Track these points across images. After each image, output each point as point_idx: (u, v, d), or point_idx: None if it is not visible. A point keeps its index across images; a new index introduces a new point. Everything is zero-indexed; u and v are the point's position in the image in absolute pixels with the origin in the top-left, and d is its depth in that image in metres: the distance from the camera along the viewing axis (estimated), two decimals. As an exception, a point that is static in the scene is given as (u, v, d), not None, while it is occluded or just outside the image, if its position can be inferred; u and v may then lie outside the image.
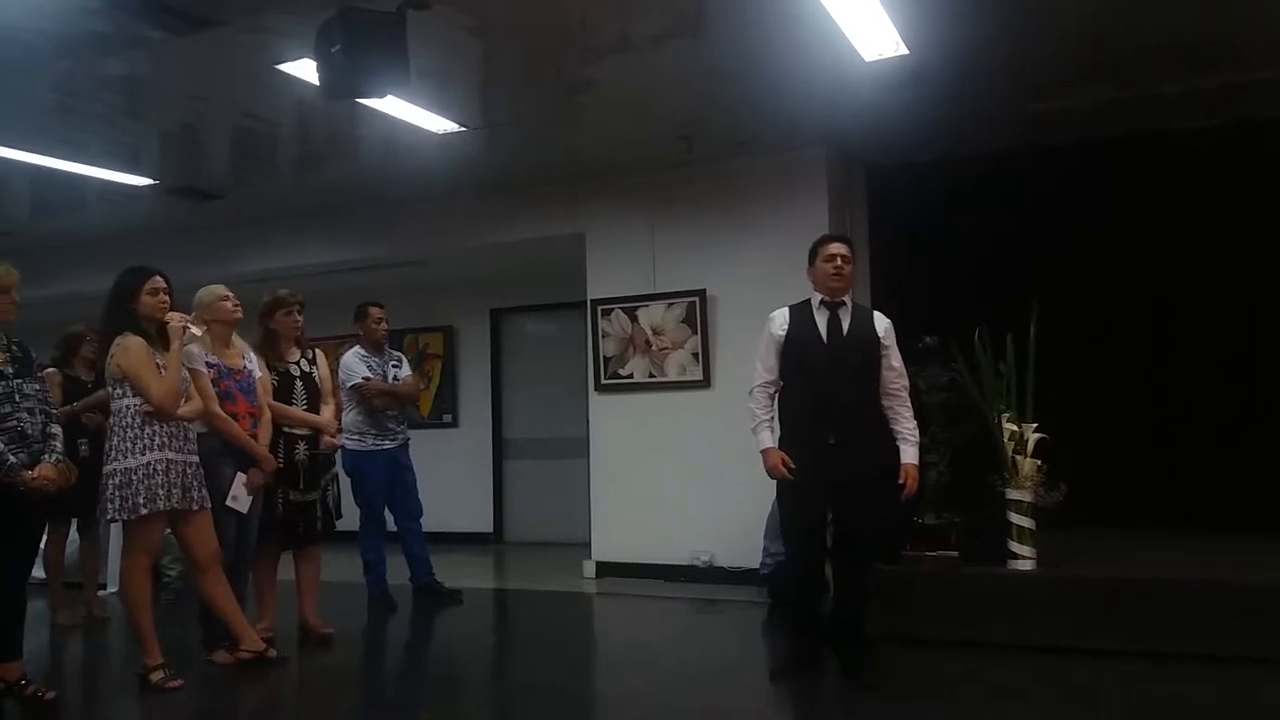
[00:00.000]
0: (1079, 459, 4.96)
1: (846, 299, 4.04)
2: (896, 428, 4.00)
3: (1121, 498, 5.84)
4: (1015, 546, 4.64)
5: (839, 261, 3.98)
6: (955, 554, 4.81)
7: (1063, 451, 4.74)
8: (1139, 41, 4.88)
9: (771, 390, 4.03)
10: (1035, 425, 4.71)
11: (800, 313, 4.04)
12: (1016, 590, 4.59)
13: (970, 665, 4.28)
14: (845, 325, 3.99)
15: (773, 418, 4.01)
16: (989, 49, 4.85)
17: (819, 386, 3.91)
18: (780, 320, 4.05)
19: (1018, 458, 4.66)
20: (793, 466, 3.88)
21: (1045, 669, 4.20)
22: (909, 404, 4.05)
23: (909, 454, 3.98)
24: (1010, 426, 4.70)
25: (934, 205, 6.30)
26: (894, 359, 4.03)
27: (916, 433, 4.03)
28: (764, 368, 4.05)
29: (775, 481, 4.03)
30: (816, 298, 4.04)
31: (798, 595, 4.14)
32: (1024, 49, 4.90)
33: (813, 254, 4.09)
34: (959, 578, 4.70)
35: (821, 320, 3.99)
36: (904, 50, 4.69)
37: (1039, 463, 4.66)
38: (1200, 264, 6.00)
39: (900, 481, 3.92)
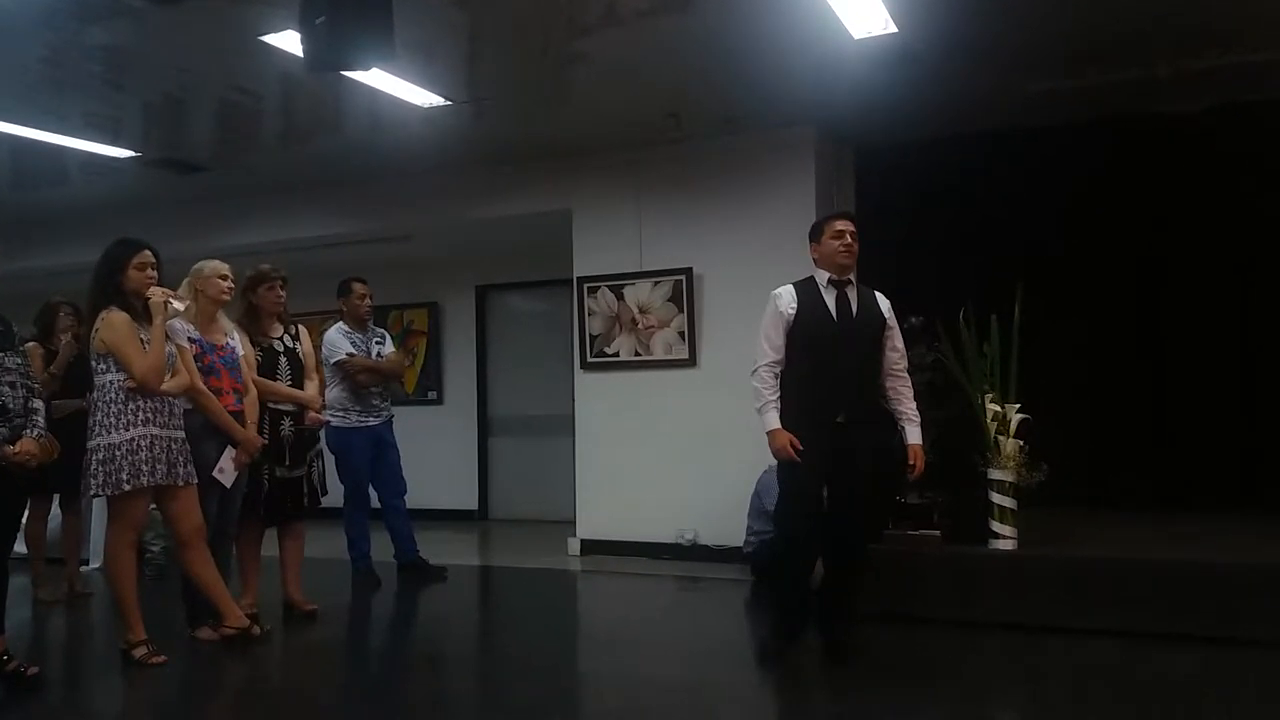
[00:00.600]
0: (1063, 440, 5.00)
1: (853, 277, 3.98)
2: (900, 408, 3.96)
3: (1105, 479, 5.90)
4: (997, 526, 4.67)
5: (848, 239, 3.91)
6: (938, 533, 4.85)
7: (1047, 432, 4.76)
8: (1130, 23, 4.87)
9: (778, 370, 3.88)
10: (1018, 406, 4.74)
11: (807, 291, 3.93)
12: (998, 570, 4.63)
13: (952, 644, 4.32)
14: (854, 305, 3.91)
15: (779, 397, 3.87)
16: (978, 29, 4.83)
17: (829, 366, 3.82)
18: (788, 298, 3.91)
19: (1000, 438, 4.68)
20: (800, 448, 3.76)
21: (1026, 648, 4.24)
22: (910, 384, 4.02)
23: (915, 434, 3.94)
24: (993, 407, 4.73)
25: (922, 185, 6.31)
26: (897, 339, 3.99)
27: (918, 414, 3.99)
28: (770, 346, 3.89)
29: (778, 462, 3.92)
30: (823, 276, 3.94)
31: (791, 574, 4.01)
32: (1014, 29, 4.89)
33: (818, 231, 4.01)
34: (941, 557, 4.74)
35: (830, 299, 3.90)
36: (893, 28, 4.67)
37: (1021, 443, 4.68)
38: (1190, 247, 6.03)
39: (910, 462, 3.90)
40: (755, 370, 3.90)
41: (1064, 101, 5.78)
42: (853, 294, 3.93)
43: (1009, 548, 4.66)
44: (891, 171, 6.47)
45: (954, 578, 4.66)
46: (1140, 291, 6.18)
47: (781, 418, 3.81)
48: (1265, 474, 5.69)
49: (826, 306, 3.89)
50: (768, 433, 3.84)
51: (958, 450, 4.91)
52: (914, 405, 3.99)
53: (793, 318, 3.87)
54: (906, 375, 4.02)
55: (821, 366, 3.82)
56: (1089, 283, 6.17)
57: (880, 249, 6.55)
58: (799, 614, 4.05)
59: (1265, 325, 5.90)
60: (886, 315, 3.97)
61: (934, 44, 4.92)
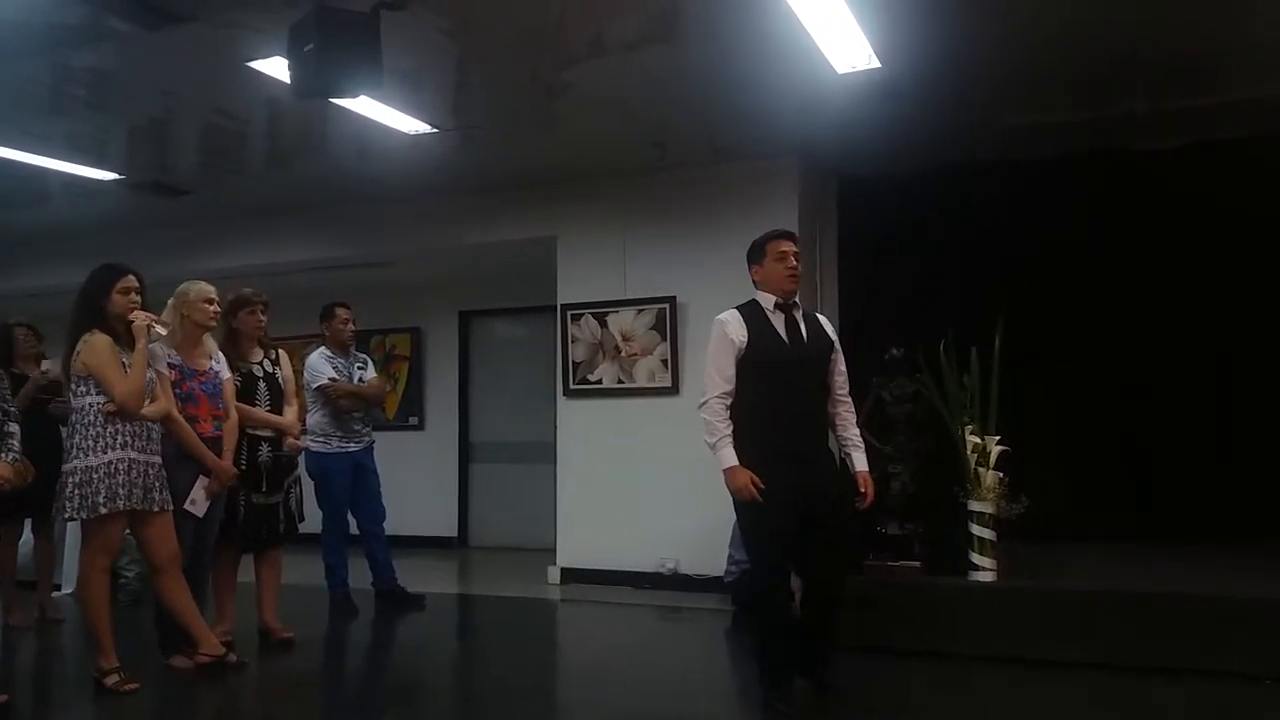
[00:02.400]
0: (1042, 473, 5.02)
1: (797, 299, 3.81)
2: (845, 434, 3.81)
3: (1084, 512, 5.91)
4: (976, 558, 4.68)
5: (792, 260, 3.74)
6: (917, 564, 4.86)
7: (1026, 465, 4.79)
8: (1108, 62, 4.96)
9: (729, 401, 3.63)
10: (998, 438, 4.76)
11: (754, 316, 3.71)
12: (977, 601, 4.64)
13: (932, 675, 4.31)
14: (803, 328, 3.75)
15: (733, 431, 3.62)
16: (960, 64, 4.91)
17: (785, 395, 3.62)
18: (736, 324, 3.68)
19: (980, 469, 4.70)
20: (762, 486, 3.53)
21: (1006, 681, 4.24)
22: (854, 409, 3.88)
23: (861, 461, 3.80)
24: (973, 439, 4.75)
25: (904, 217, 6.36)
26: (841, 363, 3.83)
27: (861, 440, 3.86)
28: (721, 377, 3.64)
29: (737, 503, 3.66)
30: (769, 299, 3.75)
31: (770, 616, 3.72)
32: (995, 65, 4.97)
33: (759, 251, 3.80)
34: (921, 588, 4.74)
35: (779, 324, 3.71)
36: (876, 63, 4.73)
37: (1001, 475, 4.70)
38: (1167, 280, 6.09)
39: (861, 490, 3.75)
40: (705, 403, 3.65)
41: (1044, 136, 5.86)
42: (800, 317, 3.77)
43: (988, 579, 4.67)
44: (874, 203, 6.53)
45: (933, 609, 4.66)
46: (1119, 325, 6.23)
47: (741, 454, 3.58)
48: (1242, 507, 5.72)
49: (777, 331, 3.70)
50: (725, 470, 3.59)
51: (938, 481, 4.93)
52: (858, 431, 3.85)
53: (744, 345, 3.64)
54: (850, 400, 3.86)
55: (777, 396, 3.62)
56: (1069, 316, 6.22)
57: (862, 280, 6.69)
58: (788, 653, 3.77)
59: (1242, 359, 5.96)
60: (833, 337, 3.84)
61: (916, 79, 4.98)
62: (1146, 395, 6.10)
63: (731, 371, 3.65)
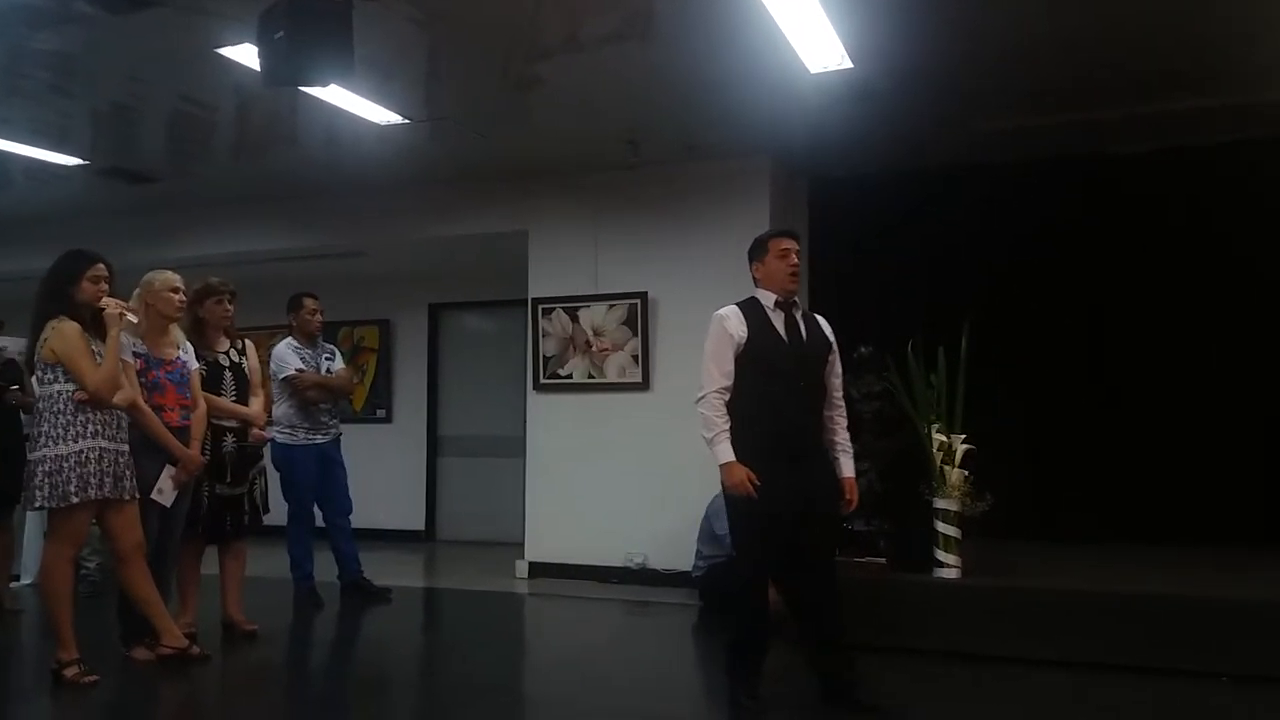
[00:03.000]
0: (1008, 471, 5.08)
1: (798, 299, 3.80)
2: (836, 438, 3.78)
3: (1049, 511, 5.99)
4: (941, 555, 4.73)
5: (794, 259, 3.72)
6: (883, 560, 4.91)
7: (992, 464, 4.84)
8: (1079, 67, 5.02)
9: (727, 397, 3.61)
10: (964, 436, 4.82)
11: (754, 313, 3.69)
12: (942, 598, 4.69)
13: (896, 671, 4.35)
14: (802, 328, 3.73)
15: (730, 427, 3.59)
16: (932, 67, 4.95)
17: (784, 393, 3.60)
18: (736, 320, 3.65)
19: (946, 468, 4.75)
20: (758, 483, 3.50)
21: (969, 676, 4.29)
22: (845, 413, 3.90)
23: (849, 466, 3.78)
24: (939, 437, 4.80)
25: (874, 218, 6.41)
26: (838, 365, 3.83)
27: (850, 444, 3.87)
28: (720, 372, 3.61)
29: (729, 499, 3.63)
30: (769, 297, 3.72)
31: (749, 610, 3.68)
32: (967, 69, 5.01)
33: (761, 248, 3.78)
34: (886, 584, 4.78)
35: (778, 322, 3.69)
36: (849, 64, 4.75)
37: (966, 473, 4.76)
38: (1133, 283, 6.18)
39: (846, 496, 3.73)
40: (704, 397, 3.62)
41: (1014, 140, 5.93)
42: (799, 316, 3.76)
43: (953, 576, 4.72)
44: (844, 203, 6.58)
45: (899, 605, 4.70)
46: (1086, 327, 6.32)
47: (738, 451, 3.55)
48: (1202, 509, 5.82)
49: (776, 329, 3.68)
50: (722, 465, 3.56)
51: (904, 479, 4.98)
52: (848, 435, 3.84)
53: (743, 341, 3.63)
54: (844, 404, 3.86)
55: (774, 394, 3.59)
56: (1035, 317, 6.30)
57: (832, 279, 6.73)
58: (759, 654, 3.74)
59: (1207, 361, 6.05)
60: (831, 339, 3.82)
61: (888, 80, 5.02)
62: (1113, 397, 6.20)
63: (730, 367, 3.62)
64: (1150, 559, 5.42)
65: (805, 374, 3.68)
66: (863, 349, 5.33)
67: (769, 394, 3.60)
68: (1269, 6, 4.39)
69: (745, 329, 3.64)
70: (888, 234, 6.40)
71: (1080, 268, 6.27)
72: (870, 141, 5.95)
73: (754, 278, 3.81)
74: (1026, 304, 6.29)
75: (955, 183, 6.27)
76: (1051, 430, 6.18)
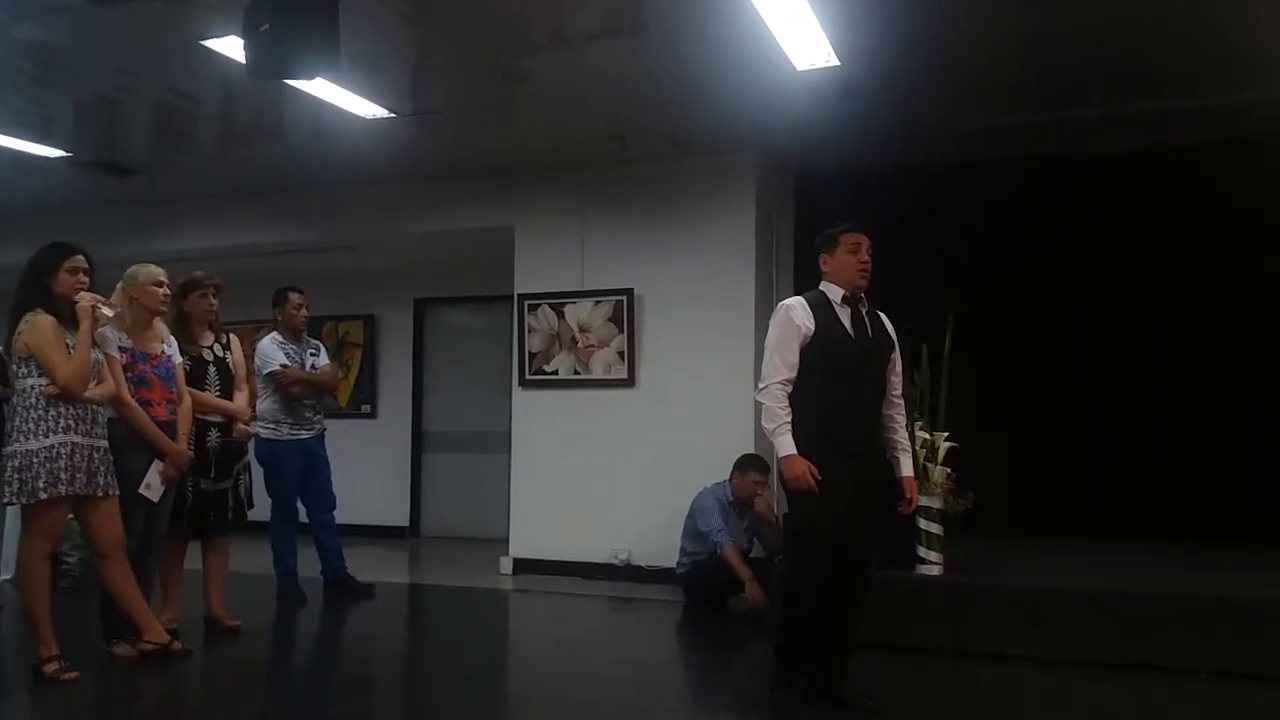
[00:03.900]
0: (992, 469, 5.10)
1: (864, 295, 3.69)
2: (895, 437, 3.71)
3: (1032, 508, 6.01)
4: (924, 552, 4.75)
5: (865, 254, 3.62)
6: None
7: (976, 461, 4.86)
8: (1061, 66, 5.05)
9: (790, 389, 3.52)
10: (947, 434, 4.84)
11: (821, 306, 3.60)
12: (923, 594, 4.71)
13: (878, 667, 4.36)
14: (868, 325, 3.65)
15: (792, 420, 3.50)
16: (917, 65, 4.97)
17: (848, 390, 3.52)
18: (803, 311, 3.56)
19: (928, 465, 4.77)
20: (819, 477, 3.42)
21: (950, 672, 4.32)
22: (904, 413, 3.80)
23: (909, 466, 3.74)
24: (922, 434, 4.82)
25: (860, 215, 6.35)
26: (899, 363, 3.75)
27: (909, 444, 3.81)
28: (784, 363, 3.52)
29: (790, 494, 3.54)
30: (836, 291, 3.62)
31: (804, 607, 3.56)
32: (951, 69, 5.03)
33: (831, 242, 3.67)
34: (870, 580, 4.78)
35: (845, 317, 3.60)
36: (835, 61, 4.77)
37: (949, 471, 4.78)
38: (1117, 282, 6.21)
39: (907, 496, 3.68)
40: (766, 387, 3.53)
41: (998, 138, 5.95)
42: (865, 312, 3.67)
43: (935, 573, 4.74)
44: (830, 200, 6.57)
45: (881, 602, 4.70)
46: (1070, 325, 6.35)
47: (799, 444, 3.46)
48: (1187, 505, 5.84)
49: (843, 324, 3.59)
50: (783, 458, 3.47)
51: (887, 476, 4.99)
52: (906, 435, 3.78)
53: (810, 334, 3.53)
54: (902, 402, 3.78)
55: (838, 388, 3.52)
56: (1019, 315, 6.33)
57: (817, 276, 6.71)
58: (806, 661, 3.65)
59: (1190, 360, 6.08)
60: (893, 336, 3.74)
61: (874, 78, 5.04)
62: (1097, 395, 6.22)
63: (795, 359, 3.53)
64: (1133, 557, 5.46)
65: (869, 370, 3.62)
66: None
67: (833, 389, 3.51)
68: (1248, 7, 4.42)
69: (813, 321, 3.55)
70: (874, 231, 6.39)
71: (1064, 266, 6.30)
72: (856, 139, 5.97)
73: (822, 270, 3.71)
74: (1010, 302, 6.32)
75: (940, 181, 6.29)
76: (1035, 428, 6.22)
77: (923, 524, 4.76)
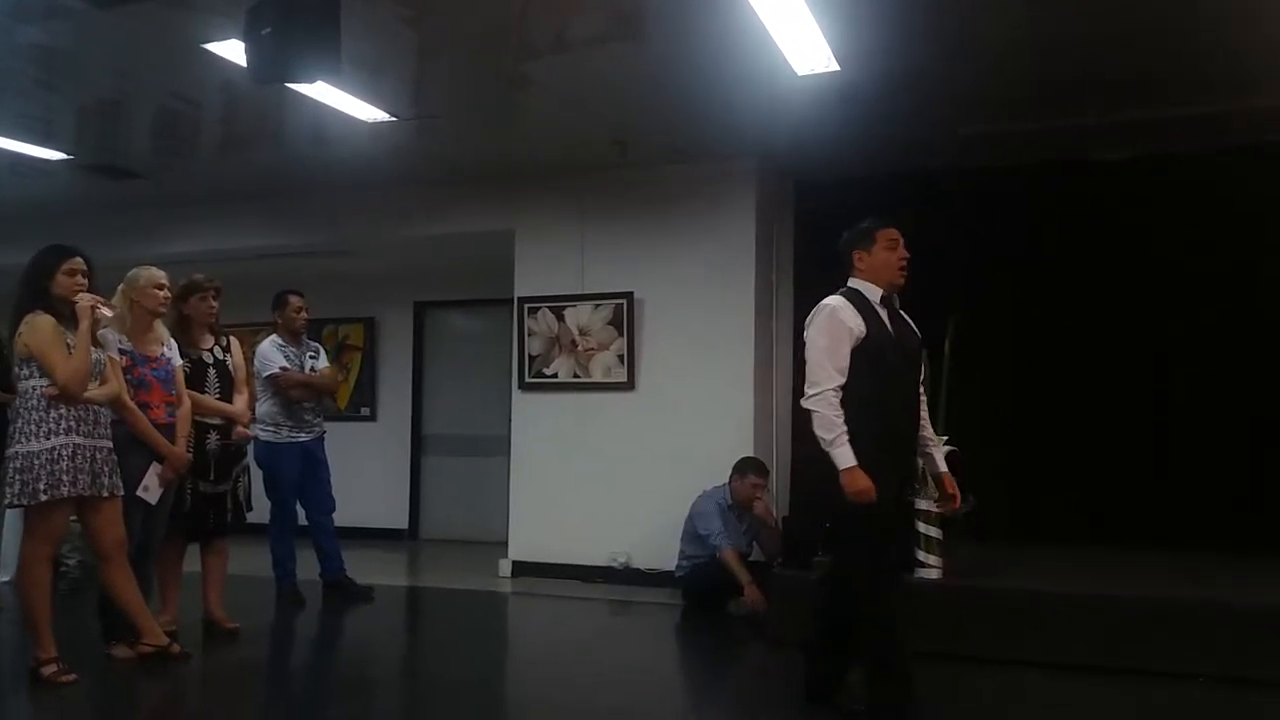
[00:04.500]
0: (992, 474, 5.09)
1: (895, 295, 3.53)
2: (925, 433, 3.64)
3: (1033, 512, 6.01)
4: (923, 555, 4.76)
5: (903, 249, 3.47)
6: (866, 562, 4.92)
7: (976, 466, 4.84)
8: (1061, 73, 5.06)
9: (841, 395, 3.30)
10: (945, 438, 4.83)
11: (862, 305, 3.40)
12: (922, 598, 4.70)
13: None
14: (903, 323, 3.51)
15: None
16: (918, 72, 4.98)
17: (895, 392, 3.37)
18: (851, 312, 3.35)
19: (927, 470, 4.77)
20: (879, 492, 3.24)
21: (949, 676, 4.31)
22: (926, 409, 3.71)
23: (943, 461, 3.67)
24: (922, 439, 4.81)
25: (859, 220, 6.40)
26: (923, 363, 3.64)
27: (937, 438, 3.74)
28: (836, 368, 3.29)
29: (850, 505, 3.27)
30: (874, 291, 3.44)
31: (886, 617, 3.38)
32: (952, 75, 5.04)
33: (866, 238, 3.50)
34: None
35: (884, 317, 3.43)
36: (835, 66, 4.77)
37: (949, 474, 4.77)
38: (1115, 287, 6.20)
39: (950, 493, 3.66)
40: (820, 394, 3.29)
41: (998, 144, 5.96)
42: (898, 310, 3.52)
43: (934, 577, 4.74)
44: (830, 205, 6.57)
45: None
46: (1069, 330, 6.35)
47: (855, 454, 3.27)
48: (1185, 510, 5.83)
49: (885, 324, 3.41)
50: (844, 470, 3.23)
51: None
52: (932, 430, 3.71)
53: (862, 335, 3.33)
54: (925, 398, 3.69)
55: (886, 393, 3.34)
56: (1019, 320, 6.33)
57: (818, 281, 6.71)
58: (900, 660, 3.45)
59: (1185, 365, 6.09)
60: (919, 336, 3.63)
61: (874, 84, 5.05)
62: (1097, 401, 6.20)
63: (846, 363, 3.31)
64: (1130, 561, 5.45)
65: (911, 375, 3.47)
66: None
67: (880, 393, 3.33)
68: (1246, 18, 4.43)
69: (862, 323, 3.35)
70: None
71: (1063, 272, 6.31)
72: (856, 144, 5.98)
73: (856, 268, 3.51)
74: (1010, 307, 6.32)
75: (940, 187, 6.29)
76: (1035, 433, 6.22)
77: (922, 528, 4.76)
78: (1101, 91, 5.29)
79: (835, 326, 3.35)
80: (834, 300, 3.41)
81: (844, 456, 3.24)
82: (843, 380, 3.30)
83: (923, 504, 4.77)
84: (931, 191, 6.29)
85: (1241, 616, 4.25)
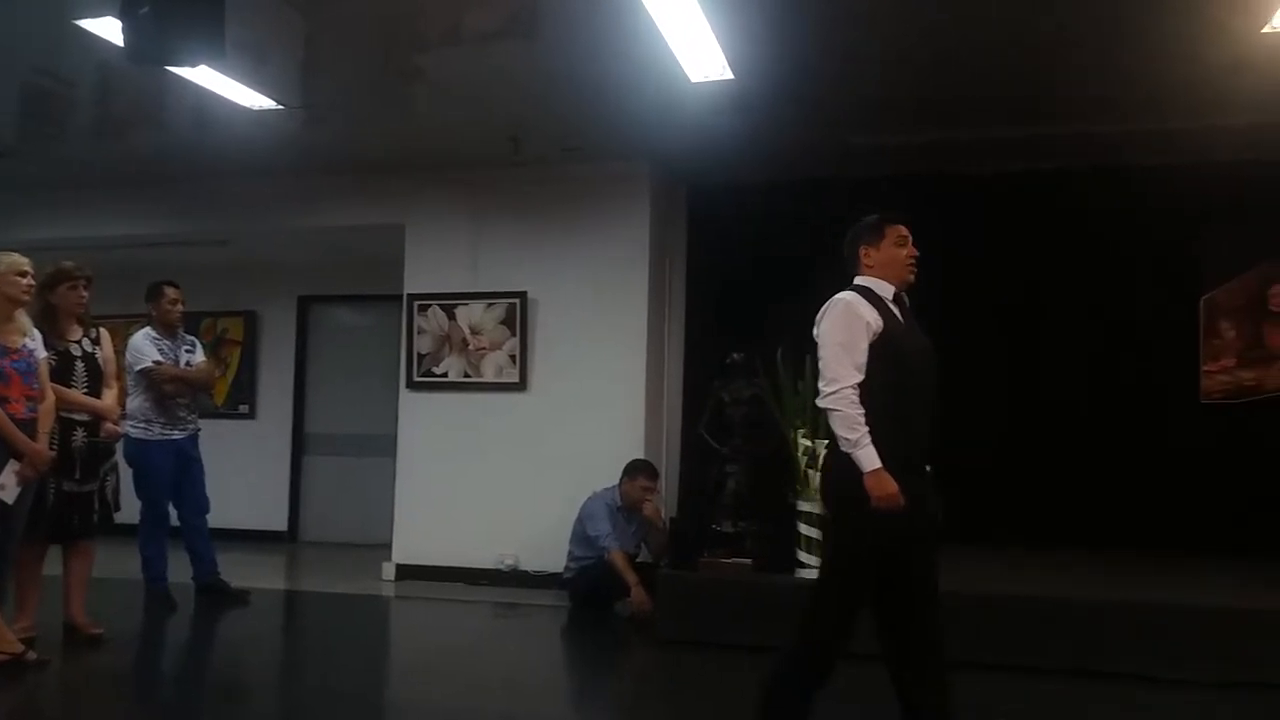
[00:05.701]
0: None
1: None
2: None
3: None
4: (804, 556, 4.87)
5: (912, 246, 3.26)
6: (749, 561, 5.01)
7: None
8: (953, 88, 5.24)
9: (859, 394, 3.04)
10: (827, 441, 4.95)
11: (876, 301, 3.16)
12: (803, 598, 4.79)
13: (759, 670, 4.44)
14: (918, 326, 3.28)
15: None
16: (810, 82, 5.11)
17: (912, 392, 3.11)
18: (868, 307, 3.11)
19: (810, 471, 4.89)
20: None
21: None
22: None
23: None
24: (804, 442, 4.94)
25: (751, 226, 6.53)
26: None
27: None
28: (853, 364, 3.04)
29: (867, 510, 2.95)
30: (887, 288, 3.20)
31: (832, 649, 3.21)
32: (842, 86, 5.19)
33: (874, 232, 3.27)
34: (750, 584, 4.88)
35: (899, 315, 3.20)
36: (730, 75, 4.86)
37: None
38: (990, 302, 6.40)
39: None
40: (838, 391, 3.03)
41: (886, 155, 6.14)
42: (910, 312, 3.29)
43: (814, 576, 4.84)
44: (722, 211, 6.69)
45: (763, 605, 4.80)
46: (960, 342, 6.49)
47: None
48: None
49: (899, 321, 3.18)
50: (870, 474, 2.95)
51: (772, 482, 5.10)
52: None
53: (880, 331, 3.08)
54: None
55: (904, 394, 3.09)
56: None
57: (709, 285, 6.83)
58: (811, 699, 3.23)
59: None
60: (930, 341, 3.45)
61: (767, 93, 5.15)
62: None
63: (864, 360, 3.06)
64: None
65: (926, 374, 3.22)
66: (735, 355, 5.45)
67: (898, 394, 3.08)
68: (1098, 45, 4.66)
69: (880, 319, 3.11)
70: (763, 243, 6.53)
71: (955, 283, 6.41)
72: (748, 152, 6.09)
73: (864, 264, 3.28)
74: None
75: (833, 195, 6.41)
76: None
77: (803, 529, 4.88)
78: (989, 108, 5.50)
79: (852, 320, 3.10)
80: (847, 295, 3.18)
81: (868, 458, 2.96)
82: (861, 377, 3.04)
83: (804, 506, 4.89)
84: (821, 199, 6.42)
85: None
